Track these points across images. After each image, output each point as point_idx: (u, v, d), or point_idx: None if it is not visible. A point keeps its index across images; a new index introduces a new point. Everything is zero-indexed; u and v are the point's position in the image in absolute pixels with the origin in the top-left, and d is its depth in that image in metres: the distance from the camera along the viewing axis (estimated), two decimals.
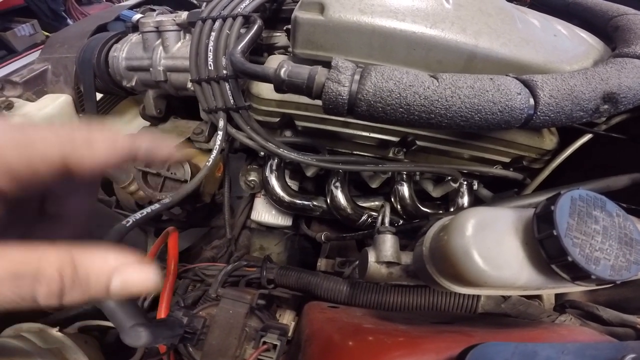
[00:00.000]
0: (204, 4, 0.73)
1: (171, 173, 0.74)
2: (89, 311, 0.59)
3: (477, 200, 0.74)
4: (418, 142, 0.64)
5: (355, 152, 0.70)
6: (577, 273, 0.31)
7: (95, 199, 0.35)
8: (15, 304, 0.20)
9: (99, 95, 0.90)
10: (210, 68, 0.67)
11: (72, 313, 0.59)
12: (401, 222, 0.73)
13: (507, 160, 0.66)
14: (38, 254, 0.21)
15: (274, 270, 0.66)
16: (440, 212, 0.73)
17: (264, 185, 0.75)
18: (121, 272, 0.22)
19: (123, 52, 0.82)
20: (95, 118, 0.87)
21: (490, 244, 0.34)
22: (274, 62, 0.60)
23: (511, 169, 0.69)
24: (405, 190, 0.71)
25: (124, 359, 0.56)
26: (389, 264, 0.47)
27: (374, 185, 0.74)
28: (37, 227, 0.29)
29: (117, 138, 0.26)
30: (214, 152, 0.65)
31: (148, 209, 0.47)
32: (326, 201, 0.74)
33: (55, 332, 0.53)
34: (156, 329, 0.34)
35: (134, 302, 0.35)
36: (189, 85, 0.74)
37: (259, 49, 0.78)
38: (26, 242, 0.21)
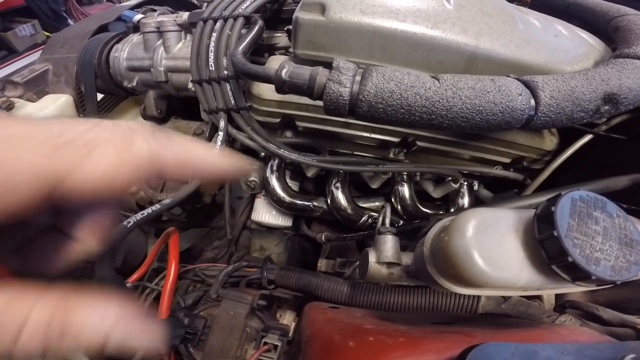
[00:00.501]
0: (205, 4, 0.73)
1: None
2: None
3: (477, 201, 0.74)
4: (418, 143, 0.64)
5: (355, 153, 0.70)
6: (578, 274, 0.31)
7: (116, 220, 0.28)
8: None
9: (99, 96, 0.90)
10: (211, 68, 0.67)
11: None
12: (401, 222, 0.73)
13: (507, 160, 0.66)
14: (25, 303, 0.18)
15: (275, 271, 0.66)
16: (441, 212, 0.73)
17: (265, 185, 0.75)
18: (121, 328, 0.19)
19: (124, 53, 0.82)
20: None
21: (491, 244, 0.34)
22: (275, 63, 0.60)
23: (511, 170, 0.69)
24: (405, 190, 0.71)
25: (124, 359, 0.56)
26: (389, 264, 0.47)
27: (374, 186, 0.74)
28: (42, 241, 0.24)
29: (126, 144, 0.19)
30: None
31: (149, 210, 0.47)
32: (326, 202, 0.74)
33: None
34: None
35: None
36: (190, 85, 0.74)
37: (260, 50, 0.78)
38: (20, 280, 0.18)
